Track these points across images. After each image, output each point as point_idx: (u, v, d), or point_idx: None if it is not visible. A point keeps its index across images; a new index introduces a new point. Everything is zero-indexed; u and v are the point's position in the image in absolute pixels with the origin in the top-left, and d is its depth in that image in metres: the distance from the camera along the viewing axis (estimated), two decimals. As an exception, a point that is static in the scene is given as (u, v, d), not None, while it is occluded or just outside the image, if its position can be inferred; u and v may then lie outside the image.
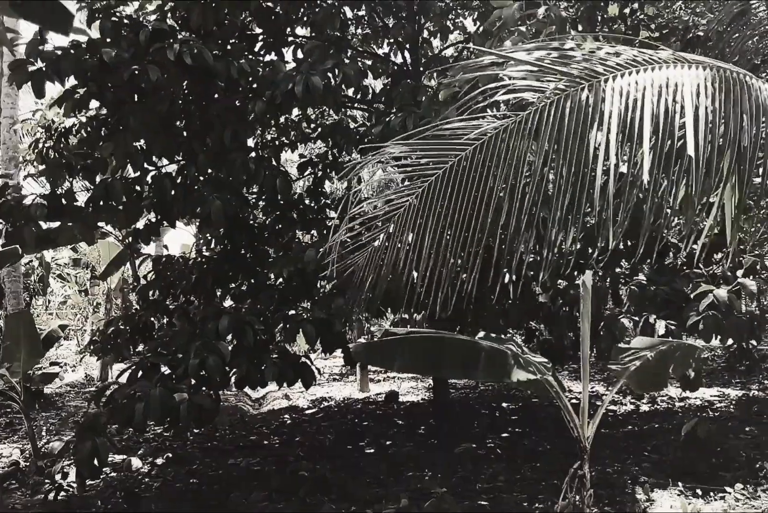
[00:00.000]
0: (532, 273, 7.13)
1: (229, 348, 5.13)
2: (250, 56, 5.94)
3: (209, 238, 6.81)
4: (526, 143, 2.58)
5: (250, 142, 6.62)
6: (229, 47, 5.59)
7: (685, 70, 2.49)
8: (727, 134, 2.41)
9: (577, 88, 2.55)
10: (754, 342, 9.22)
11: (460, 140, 2.73)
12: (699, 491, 4.94)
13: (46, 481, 5.58)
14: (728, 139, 2.41)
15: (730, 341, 6.86)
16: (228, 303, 6.56)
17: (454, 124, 2.79)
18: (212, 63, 4.87)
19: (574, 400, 3.39)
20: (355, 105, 7.45)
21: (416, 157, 2.89)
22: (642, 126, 2.39)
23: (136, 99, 5.32)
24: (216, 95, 5.58)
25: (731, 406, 8.17)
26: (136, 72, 4.80)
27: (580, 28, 5.63)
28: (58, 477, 5.38)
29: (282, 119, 6.72)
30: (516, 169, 2.58)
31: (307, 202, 6.58)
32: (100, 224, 6.40)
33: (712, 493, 4.89)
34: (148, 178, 5.78)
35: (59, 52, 4.93)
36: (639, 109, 2.42)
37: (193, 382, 4.86)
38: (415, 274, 2.89)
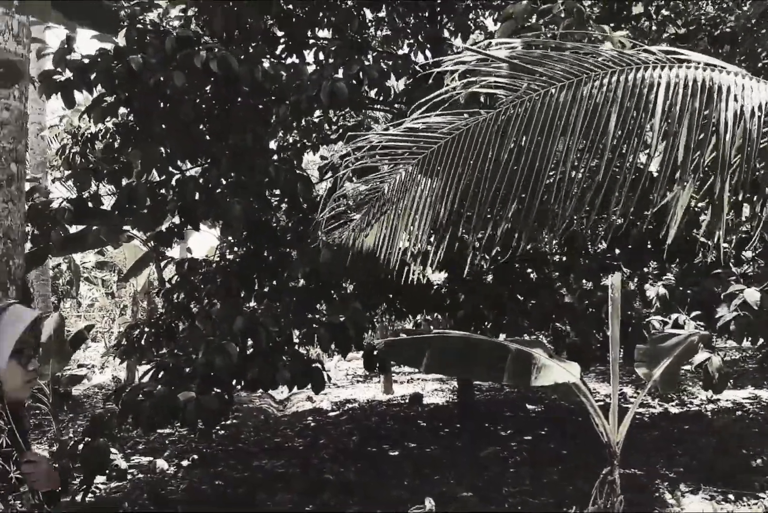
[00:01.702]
0: (557, 273, 7.11)
1: (247, 350, 5.14)
2: (272, 59, 5.96)
3: (232, 241, 6.83)
4: (494, 139, 2.66)
5: (272, 145, 6.63)
6: (251, 50, 5.61)
7: (664, 71, 2.51)
8: (706, 132, 2.42)
9: (548, 89, 2.60)
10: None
11: (435, 133, 2.84)
12: (731, 496, 4.83)
13: (74, 482, 5.64)
14: (707, 137, 2.42)
15: (761, 341, 6.70)
16: (252, 304, 6.58)
17: (431, 118, 2.90)
18: (237, 69, 4.89)
19: (601, 403, 3.33)
20: (377, 106, 7.43)
21: (394, 147, 3.04)
22: (607, 127, 2.44)
23: (161, 105, 5.36)
24: (239, 98, 5.61)
25: (764, 409, 8.00)
26: (162, 78, 4.83)
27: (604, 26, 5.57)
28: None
29: (303, 121, 6.73)
30: (483, 165, 2.67)
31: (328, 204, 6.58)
32: (125, 227, 6.46)
33: (744, 498, 4.78)
34: (173, 182, 5.83)
35: (87, 61, 4.98)
36: (607, 110, 2.46)
37: (203, 382, 4.86)
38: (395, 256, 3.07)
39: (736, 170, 2.42)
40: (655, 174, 2.51)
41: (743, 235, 5.83)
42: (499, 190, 2.64)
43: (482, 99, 3.11)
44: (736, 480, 5.12)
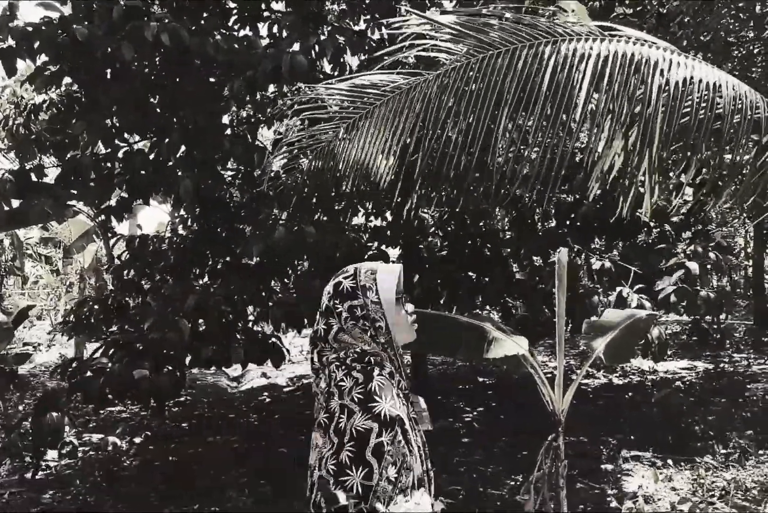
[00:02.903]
0: (509, 250, 7.25)
1: (199, 327, 5.11)
2: (225, 31, 5.82)
3: (185, 216, 6.73)
4: (434, 99, 2.81)
5: (226, 119, 6.52)
6: (202, 22, 5.47)
7: (596, 44, 2.64)
8: (632, 104, 2.56)
9: (486, 54, 2.74)
10: (722, 316, 9.43)
11: (378, 91, 3.01)
12: (670, 461, 5.10)
13: (25, 460, 5.57)
14: (632, 109, 2.56)
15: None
16: (205, 281, 6.52)
17: (376, 76, 3.09)
18: (188, 42, 4.77)
19: (549, 375, 3.46)
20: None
21: (339, 101, 3.25)
22: (539, 94, 2.59)
23: (108, 76, 5.20)
24: (190, 72, 5.48)
25: (701, 379, 8.40)
26: (110, 50, 4.68)
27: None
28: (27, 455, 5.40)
29: (258, 96, 6.62)
30: (423, 122, 2.83)
31: (284, 178, 6.52)
32: (71, 202, 6.28)
33: (682, 463, 5.05)
34: (120, 154, 5.68)
35: (30, 29, 4.79)
36: (540, 77, 2.61)
37: (156, 359, 4.82)
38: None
39: (663, 141, 2.54)
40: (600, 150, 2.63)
41: (682, 216, 6.08)
42: (438, 145, 2.80)
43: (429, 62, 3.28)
44: (674, 446, 5.40)
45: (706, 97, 2.52)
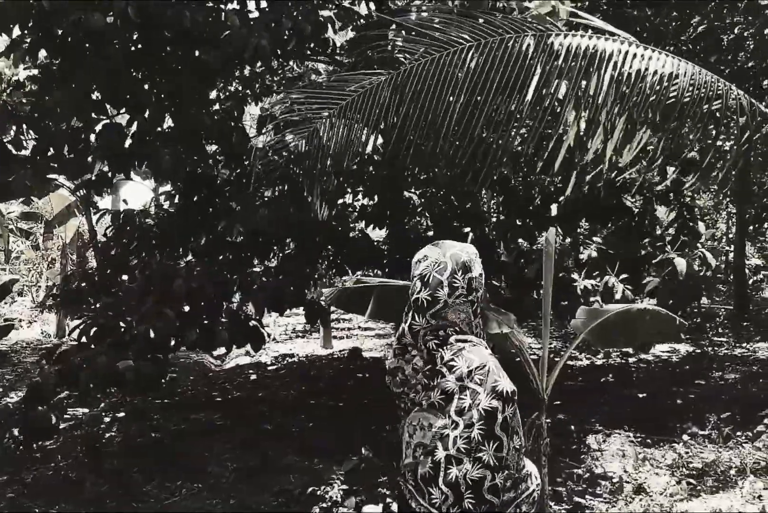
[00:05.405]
0: (495, 233, 7.24)
1: (182, 308, 5.07)
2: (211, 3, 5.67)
3: (171, 192, 6.64)
4: (392, 96, 3.07)
5: (214, 95, 6.41)
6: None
7: (550, 39, 2.84)
8: (587, 92, 2.79)
9: (442, 53, 2.99)
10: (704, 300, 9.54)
11: (343, 91, 3.28)
12: (649, 441, 5.17)
13: (6, 436, 5.52)
14: (586, 97, 2.80)
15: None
16: (189, 259, 6.46)
17: (344, 76, 3.43)
18: (155, 15, 4.63)
19: (534, 357, 3.47)
20: (318, 58, 7.26)
21: (309, 103, 3.51)
22: (492, 85, 2.83)
23: (83, 47, 5.05)
24: (169, 45, 5.33)
25: (681, 361, 8.51)
26: (80, 19, 4.53)
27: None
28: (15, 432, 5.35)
29: (246, 71, 6.52)
30: (385, 118, 3.10)
31: (270, 156, 6.45)
32: (51, 176, 6.16)
33: (662, 443, 5.12)
34: (98, 128, 5.55)
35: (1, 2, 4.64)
36: (492, 72, 2.84)
37: (141, 346, 4.78)
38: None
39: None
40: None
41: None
42: (400, 138, 3.05)
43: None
44: (655, 426, 5.46)
45: (657, 88, 2.63)
